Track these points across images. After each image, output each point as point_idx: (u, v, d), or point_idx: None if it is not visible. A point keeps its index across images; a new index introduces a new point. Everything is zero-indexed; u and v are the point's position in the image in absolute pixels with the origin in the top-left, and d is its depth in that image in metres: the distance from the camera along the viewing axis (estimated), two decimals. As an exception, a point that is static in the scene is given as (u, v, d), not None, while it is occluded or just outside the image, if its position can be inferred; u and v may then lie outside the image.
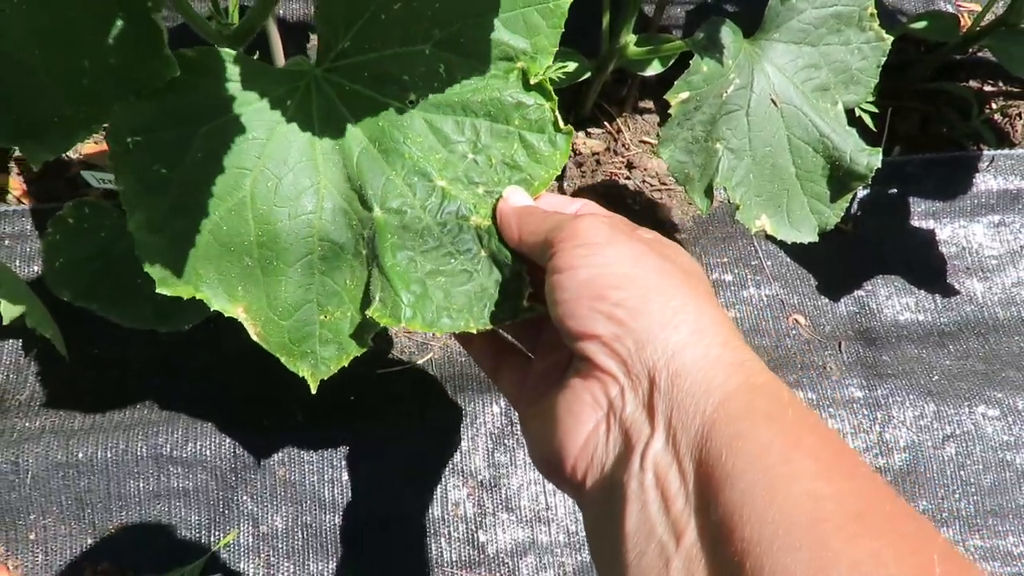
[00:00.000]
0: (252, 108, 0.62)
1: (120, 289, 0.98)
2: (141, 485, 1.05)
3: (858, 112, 1.12)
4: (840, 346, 1.22)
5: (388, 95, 0.63)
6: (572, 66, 1.15)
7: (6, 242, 1.19)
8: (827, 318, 1.25)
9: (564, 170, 1.32)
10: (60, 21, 0.54)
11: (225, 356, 1.14)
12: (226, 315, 0.65)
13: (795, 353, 1.21)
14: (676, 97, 0.84)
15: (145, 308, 0.97)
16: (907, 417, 1.16)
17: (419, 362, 1.17)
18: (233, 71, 0.61)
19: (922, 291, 1.27)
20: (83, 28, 0.54)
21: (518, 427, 1.11)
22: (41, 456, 1.04)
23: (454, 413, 1.11)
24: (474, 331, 0.62)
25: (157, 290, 0.62)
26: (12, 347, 1.12)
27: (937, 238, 1.31)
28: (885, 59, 0.93)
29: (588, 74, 1.19)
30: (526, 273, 0.63)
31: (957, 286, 1.28)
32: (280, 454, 1.07)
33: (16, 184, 1.25)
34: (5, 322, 1.04)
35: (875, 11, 0.90)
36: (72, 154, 1.27)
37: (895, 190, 1.33)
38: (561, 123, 0.65)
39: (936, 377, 1.19)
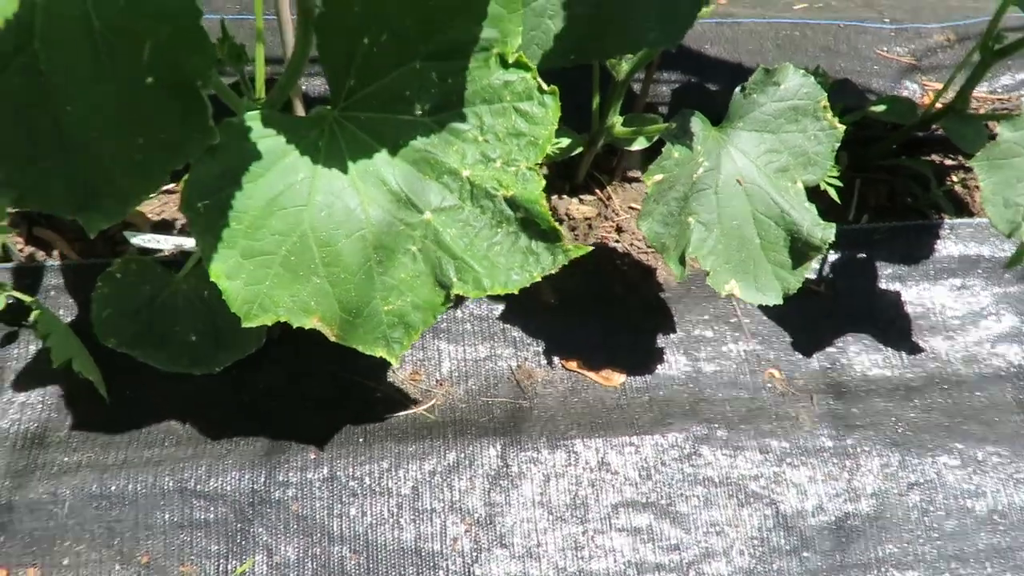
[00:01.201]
0: (293, 155, 0.74)
1: (160, 337, 1.09)
2: (167, 516, 1.15)
3: (823, 186, 1.24)
4: (812, 399, 1.32)
5: (398, 112, 0.76)
6: (566, 142, 1.28)
7: (51, 293, 1.31)
8: (800, 372, 1.35)
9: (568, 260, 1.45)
10: (120, 107, 0.64)
11: (248, 400, 1.25)
12: (306, 327, 0.79)
13: (770, 405, 1.31)
14: (651, 178, 0.97)
15: (182, 355, 1.09)
16: (874, 466, 1.25)
17: (422, 408, 1.27)
18: (269, 130, 0.74)
19: (889, 348, 1.38)
20: (138, 111, 0.65)
21: (513, 469, 1.21)
22: (77, 488, 1.14)
23: (453, 455, 1.21)
24: (539, 279, 0.78)
25: (243, 325, 0.74)
26: (54, 389, 1.23)
27: (903, 299, 1.42)
28: (839, 144, 1.06)
29: (580, 149, 1.33)
30: (557, 224, 0.78)
31: (922, 344, 1.39)
32: (294, 490, 1.17)
33: (62, 241, 1.38)
34: (55, 366, 1.16)
35: (827, 104, 1.03)
36: (114, 213, 1.40)
37: (864, 255, 1.44)
38: (544, 86, 0.78)
39: (902, 429, 1.28)
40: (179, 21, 0.60)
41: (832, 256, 1.46)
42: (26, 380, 1.24)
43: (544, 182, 0.77)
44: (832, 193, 1.29)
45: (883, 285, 1.44)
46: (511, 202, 0.78)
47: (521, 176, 0.77)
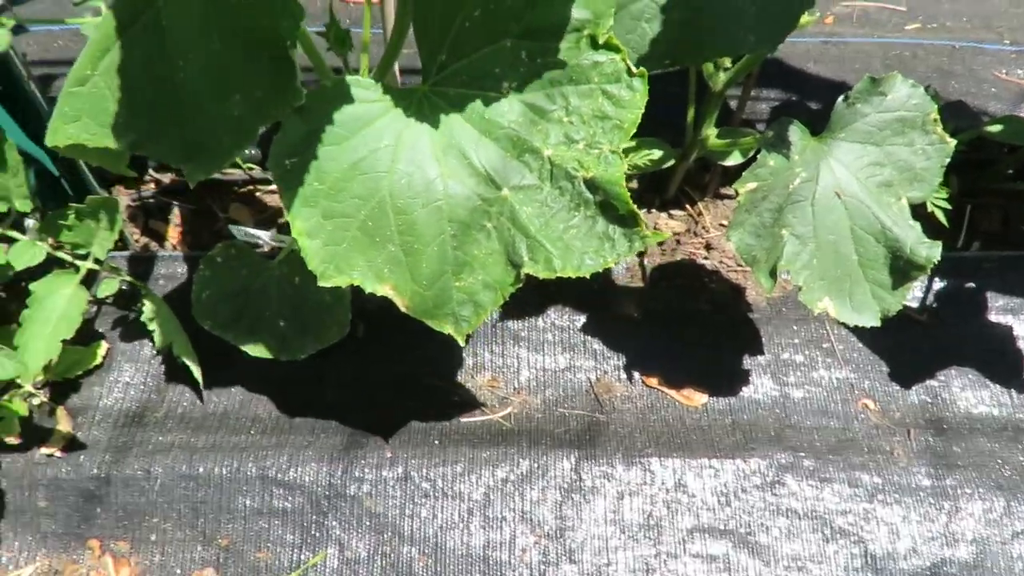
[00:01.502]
0: (380, 122, 0.76)
1: (252, 322, 1.14)
2: (248, 502, 1.18)
3: (930, 208, 1.18)
4: (909, 433, 1.24)
5: (486, 88, 0.77)
6: (657, 154, 1.27)
7: (160, 281, 1.39)
8: (897, 405, 1.27)
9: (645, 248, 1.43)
10: (224, 64, 0.69)
11: (329, 393, 1.29)
12: (378, 294, 0.80)
13: (863, 437, 1.24)
14: (744, 187, 0.94)
15: (270, 340, 1.13)
16: (976, 510, 1.16)
17: (499, 415, 1.27)
18: (362, 94, 0.76)
19: (997, 385, 1.28)
20: (237, 69, 0.69)
21: (586, 483, 1.19)
22: (168, 468, 1.20)
23: (527, 464, 1.20)
24: (612, 265, 0.76)
25: (319, 283, 0.77)
26: (156, 371, 1.31)
27: (1015, 334, 1.32)
28: (949, 160, 1.00)
29: (672, 161, 1.31)
30: (636, 208, 0.76)
31: (1036, 383, 1.28)
32: (368, 486, 1.19)
33: (174, 233, 1.46)
34: (157, 349, 1.23)
35: (938, 117, 0.98)
36: (220, 212, 1.48)
37: (973, 284, 1.35)
38: (633, 68, 0.76)
39: (1008, 472, 1.18)
40: None
41: (937, 284, 1.37)
42: (132, 362, 1.32)
43: (626, 166, 0.76)
44: (940, 216, 1.22)
45: (993, 317, 1.34)
46: (591, 184, 0.77)
47: (603, 159, 0.76)
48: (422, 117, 0.77)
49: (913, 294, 1.37)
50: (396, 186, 0.76)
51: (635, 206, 0.78)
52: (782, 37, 0.86)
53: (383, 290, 0.80)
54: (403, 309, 0.81)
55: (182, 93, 0.71)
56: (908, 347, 1.32)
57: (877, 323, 1.00)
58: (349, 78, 0.74)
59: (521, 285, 0.80)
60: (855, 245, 0.99)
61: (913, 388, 1.29)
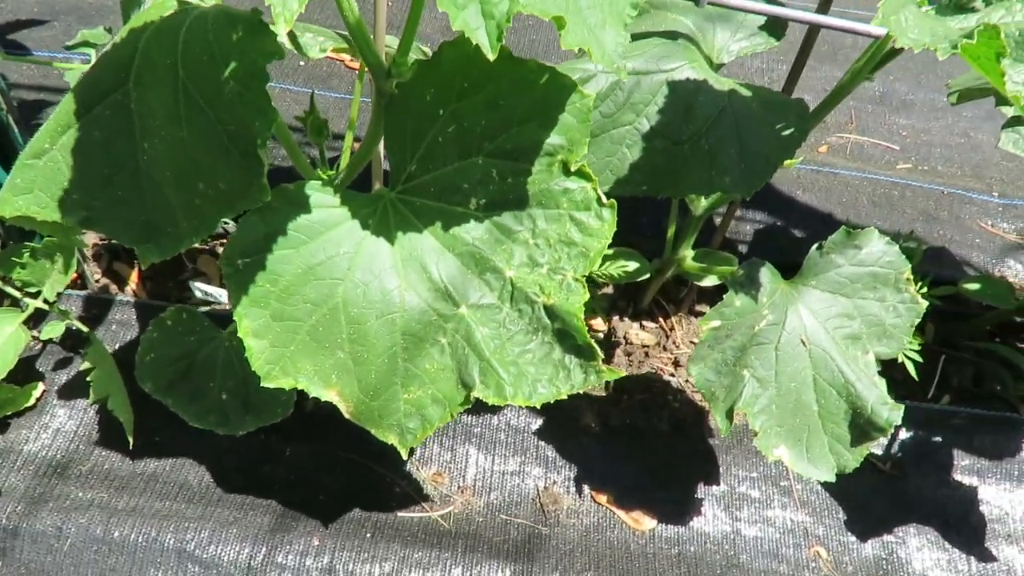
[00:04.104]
0: (341, 228, 0.74)
1: (194, 390, 1.10)
2: (159, 575, 1.12)
3: (900, 357, 1.16)
4: (860, 589, 1.19)
5: (453, 203, 0.75)
6: (632, 266, 1.25)
7: (113, 327, 1.35)
8: (851, 557, 1.22)
9: (612, 356, 1.40)
10: (189, 153, 0.68)
11: (266, 470, 1.23)
12: (322, 399, 0.77)
13: (812, 586, 1.19)
14: (708, 323, 0.92)
15: (210, 412, 1.09)
16: None
17: (438, 514, 1.22)
18: (324, 200, 0.74)
19: (957, 550, 1.23)
20: (204, 159, 0.68)
21: (517, 600, 1.13)
22: (83, 528, 1.13)
23: (459, 572, 1.14)
24: (564, 396, 0.73)
25: (262, 384, 0.74)
26: (89, 422, 1.25)
27: (980, 497, 1.29)
28: (919, 319, 0.98)
29: (647, 275, 1.29)
30: (594, 342, 0.74)
31: (995, 552, 1.24)
32: (289, 574, 1.12)
33: (136, 277, 1.43)
34: (90, 401, 1.18)
35: (911, 276, 0.96)
36: (188, 262, 1.45)
37: (940, 439, 1.32)
38: (604, 199, 0.74)
39: (959, 647, 1.13)
40: (248, 84, 0.63)
41: (904, 433, 1.34)
42: (66, 408, 1.26)
43: (587, 296, 0.74)
44: (910, 367, 1.20)
45: (958, 476, 1.30)
46: (550, 311, 0.75)
47: (565, 286, 0.74)
48: (384, 226, 0.75)
49: (878, 441, 1.34)
50: (351, 294, 0.73)
51: (592, 340, 0.75)
52: (759, 184, 0.85)
53: (328, 395, 0.77)
54: (347, 416, 0.79)
55: (142, 176, 0.70)
56: (868, 496, 1.27)
57: (832, 478, 0.97)
58: (312, 183, 0.73)
59: (470, 406, 0.77)
60: (816, 395, 0.96)
61: (869, 541, 1.24)
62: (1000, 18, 0.73)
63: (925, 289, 1.27)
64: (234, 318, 0.73)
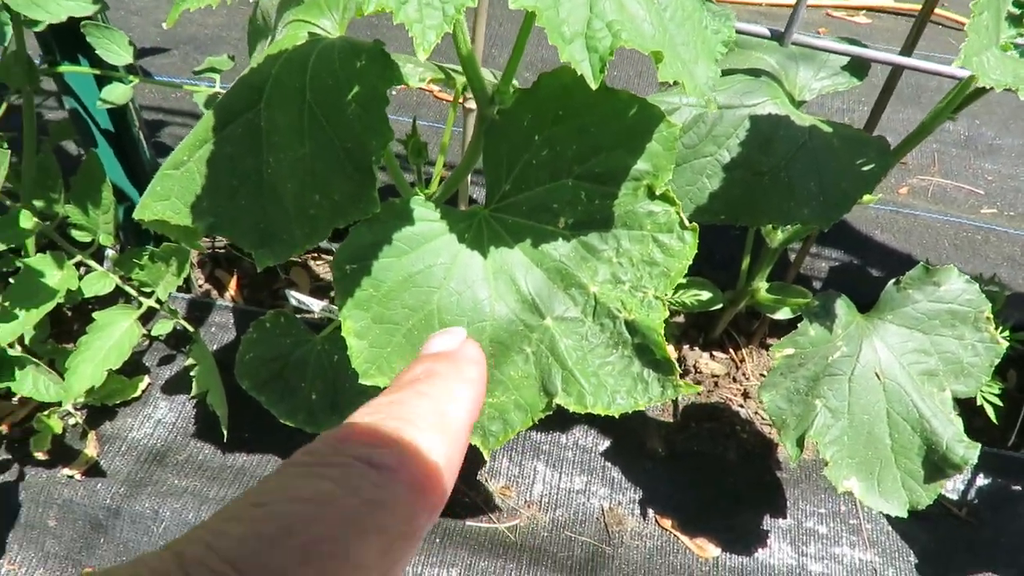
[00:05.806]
0: (439, 241, 0.80)
1: (285, 389, 1.18)
2: (243, 563, 1.19)
3: (979, 400, 1.14)
4: (930, 635, 1.16)
5: (543, 222, 0.80)
6: (705, 296, 1.28)
7: (212, 329, 1.46)
8: (921, 601, 1.20)
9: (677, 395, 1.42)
10: (309, 167, 0.75)
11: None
12: None
13: (879, 628, 1.17)
14: (781, 351, 0.94)
15: (299, 410, 1.16)
16: None
17: (504, 525, 1.26)
18: (426, 214, 0.81)
19: (1035, 604, 1.20)
20: (321, 173, 0.75)
21: (579, 615, 1.15)
22: (176, 512, 1.22)
23: (523, 582, 1.18)
24: (642, 408, 0.76)
25: (360, 381, 0.79)
26: (188, 414, 1.35)
27: (1061, 551, 1.24)
28: (999, 360, 0.98)
29: (720, 305, 1.32)
30: (672, 357, 0.77)
31: (1077, 609, 1.19)
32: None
33: (233, 284, 1.54)
34: (192, 395, 1.28)
35: (991, 316, 0.96)
36: (281, 272, 1.55)
37: (1020, 487, 1.29)
38: (687, 222, 0.77)
39: None
40: (368, 107, 0.70)
41: (982, 479, 1.31)
42: (168, 400, 1.37)
43: (667, 313, 0.77)
44: (989, 411, 1.18)
45: (1039, 528, 1.27)
46: (631, 326, 0.79)
47: (646, 303, 0.78)
48: (478, 240, 0.81)
49: (954, 485, 1.31)
50: (446, 302, 0.79)
51: (672, 355, 0.79)
52: (837, 217, 0.87)
53: None
54: None
55: (264, 188, 0.78)
56: (941, 542, 1.25)
57: (904, 514, 0.97)
58: (415, 199, 0.79)
59: (551, 413, 0.82)
60: (890, 429, 0.97)
61: (940, 586, 1.21)
62: (1087, 62, 0.75)
63: (1007, 333, 1.25)
64: (339, 318, 0.80)
